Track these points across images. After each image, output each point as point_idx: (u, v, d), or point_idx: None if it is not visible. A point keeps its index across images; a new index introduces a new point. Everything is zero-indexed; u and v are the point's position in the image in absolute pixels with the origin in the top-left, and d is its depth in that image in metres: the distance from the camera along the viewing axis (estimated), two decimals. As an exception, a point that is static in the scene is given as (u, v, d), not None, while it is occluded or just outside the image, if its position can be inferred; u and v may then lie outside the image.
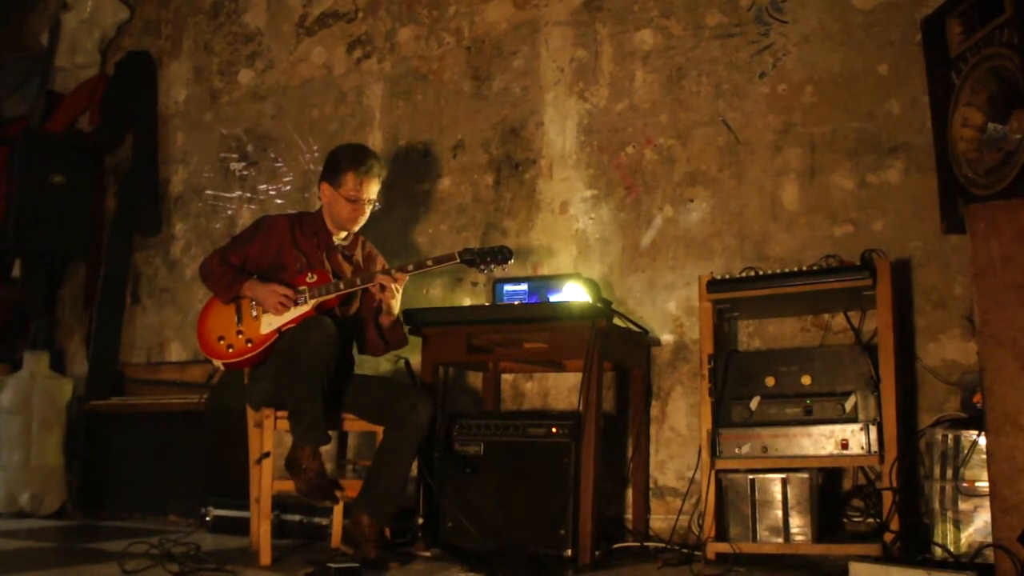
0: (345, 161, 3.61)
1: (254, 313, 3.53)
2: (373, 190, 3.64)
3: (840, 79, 3.84)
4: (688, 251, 4.08)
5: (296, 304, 3.50)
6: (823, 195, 3.82)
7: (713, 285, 3.50)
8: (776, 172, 3.93)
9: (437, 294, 4.61)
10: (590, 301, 3.63)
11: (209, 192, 5.56)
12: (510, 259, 3.55)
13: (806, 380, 3.30)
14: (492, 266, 3.53)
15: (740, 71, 4.06)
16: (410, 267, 3.54)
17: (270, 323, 3.51)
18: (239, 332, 3.53)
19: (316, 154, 5.13)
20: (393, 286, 3.50)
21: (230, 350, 3.51)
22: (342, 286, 3.54)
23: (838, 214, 3.78)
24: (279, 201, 5.25)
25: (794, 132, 3.91)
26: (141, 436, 4.88)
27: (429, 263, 3.54)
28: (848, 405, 3.22)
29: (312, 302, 3.53)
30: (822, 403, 3.26)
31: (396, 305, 3.59)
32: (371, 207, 3.67)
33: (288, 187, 5.25)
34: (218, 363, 3.54)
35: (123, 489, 4.91)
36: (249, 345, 3.50)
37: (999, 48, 2.75)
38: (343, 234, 3.73)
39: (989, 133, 2.78)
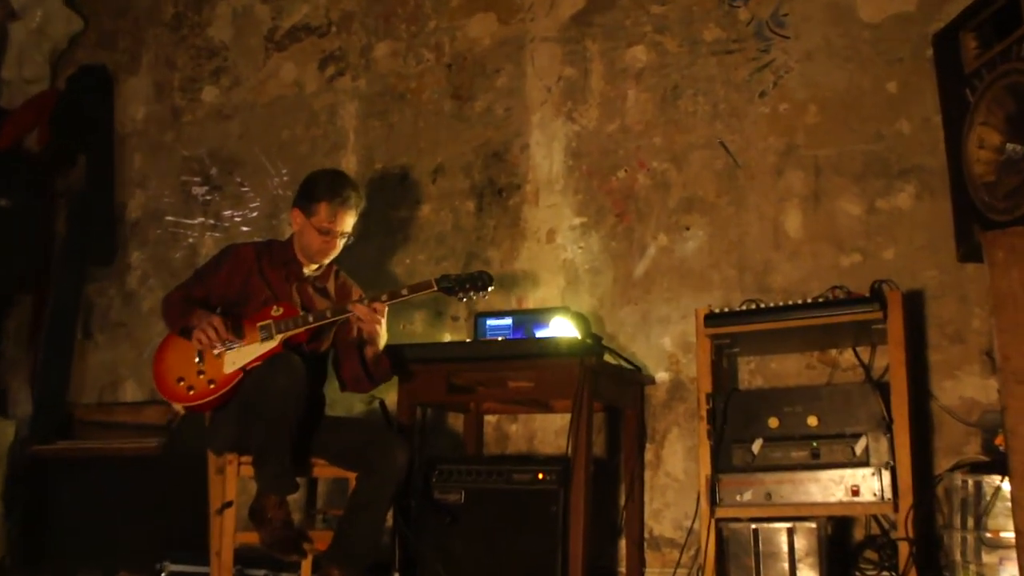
0: (321, 189, 3.61)
1: (217, 351, 3.50)
2: (348, 223, 3.64)
3: (846, 98, 3.86)
4: (684, 282, 4.08)
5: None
6: (829, 222, 3.83)
7: (711, 319, 3.50)
8: (778, 198, 3.95)
9: (416, 329, 4.60)
10: (579, 337, 3.62)
11: (169, 218, 5.51)
12: (490, 286, 3.55)
13: (813, 421, 3.29)
14: (472, 294, 3.53)
15: (739, 90, 4.08)
16: (384, 297, 3.53)
17: (234, 361, 3.48)
18: (200, 372, 3.49)
19: (285, 178, 5.14)
20: (375, 316, 3.50)
21: (191, 392, 3.47)
22: (311, 319, 3.52)
23: (845, 242, 3.79)
24: (245, 229, 5.23)
25: (797, 155, 3.93)
26: (90, 483, 4.79)
27: (404, 292, 3.54)
28: (859, 448, 3.21)
29: (279, 337, 3.50)
30: (830, 446, 3.25)
31: (382, 336, 3.58)
32: (344, 240, 3.68)
33: (255, 213, 5.24)
34: (177, 406, 3.50)
35: (69, 542, 4.79)
36: (212, 386, 3.46)
37: (1017, 64, 2.76)
38: (314, 266, 3.72)
39: (1007, 154, 2.78)
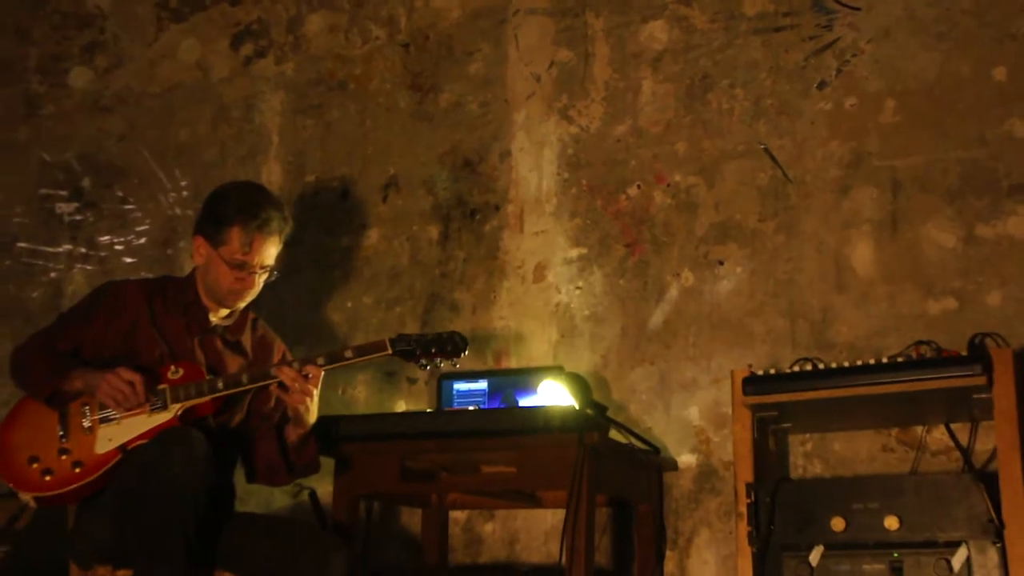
0: (232, 208, 3.61)
1: (87, 423, 3.44)
2: (269, 254, 3.64)
3: (937, 89, 3.88)
4: (716, 335, 4.08)
5: (149, 407, 3.44)
6: (911, 255, 3.83)
7: (753, 383, 3.48)
8: (842, 223, 3.95)
9: (358, 395, 4.60)
10: (576, 406, 3.61)
11: (22, 245, 5.50)
12: (463, 351, 3.56)
13: (892, 523, 3.24)
14: (438, 360, 3.55)
15: (791, 79, 4.10)
16: (321, 360, 3.51)
17: (110, 438, 3.41)
18: (63, 451, 3.42)
19: (185, 193, 5.14)
20: (305, 386, 3.48)
21: (48, 478, 3.39)
22: (220, 386, 3.48)
23: (934, 282, 3.79)
24: (129, 260, 5.20)
25: (868, 165, 3.93)
26: None
27: (348, 354, 3.53)
28: (956, 561, 3.15)
29: (175, 408, 3.46)
30: (917, 558, 3.19)
31: (311, 413, 3.58)
32: (265, 277, 3.67)
33: (143, 240, 5.22)
34: (27, 497, 3.41)
35: None
36: (77, 470, 3.39)
37: None
38: (224, 311, 3.71)
39: None
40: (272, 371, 3.50)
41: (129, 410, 3.41)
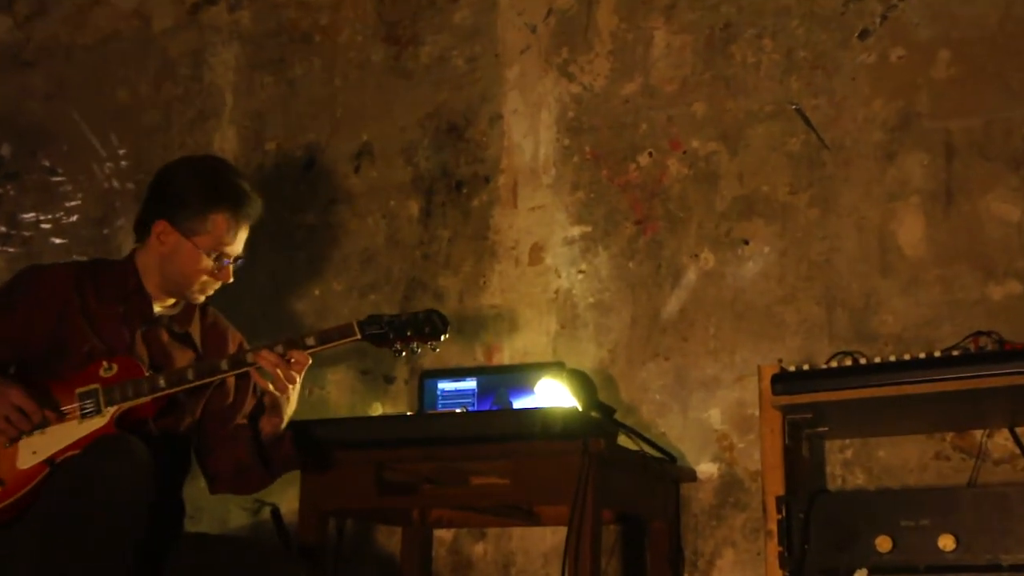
0: (213, 192, 3.63)
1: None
2: (243, 241, 3.69)
3: (999, 37, 3.88)
4: (741, 325, 4.10)
5: (80, 411, 3.41)
6: (968, 232, 3.83)
7: (784, 381, 3.45)
8: (888, 195, 3.96)
9: (328, 396, 4.61)
10: (579, 408, 3.62)
11: None
12: (444, 333, 3.53)
13: (947, 542, 3.19)
14: (414, 344, 3.52)
15: (827, 27, 4.10)
16: (279, 347, 3.49)
17: (35, 451, 3.38)
18: None
19: (123, 163, 5.15)
20: (289, 372, 3.48)
21: None
22: (162, 383, 3.46)
23: (995, 263, 3.79)
24: (58, 241, 5.22)
25: (918, 128, 3.93)
26: None
27: (310, 341, 3.51)
28: None
29: (110, 411, 3.42)
30: None
31: (291, 403, 3.62)
32: (234, 267, 3.72)
33: (74, 216, 5.24)
34: None
35: None
36: None
37: None
38: (170, 300, 3.71)
39: None
40: (249, 357, 3.50)
41: (6, 438, 3.38)
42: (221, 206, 3.59)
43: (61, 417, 3.40)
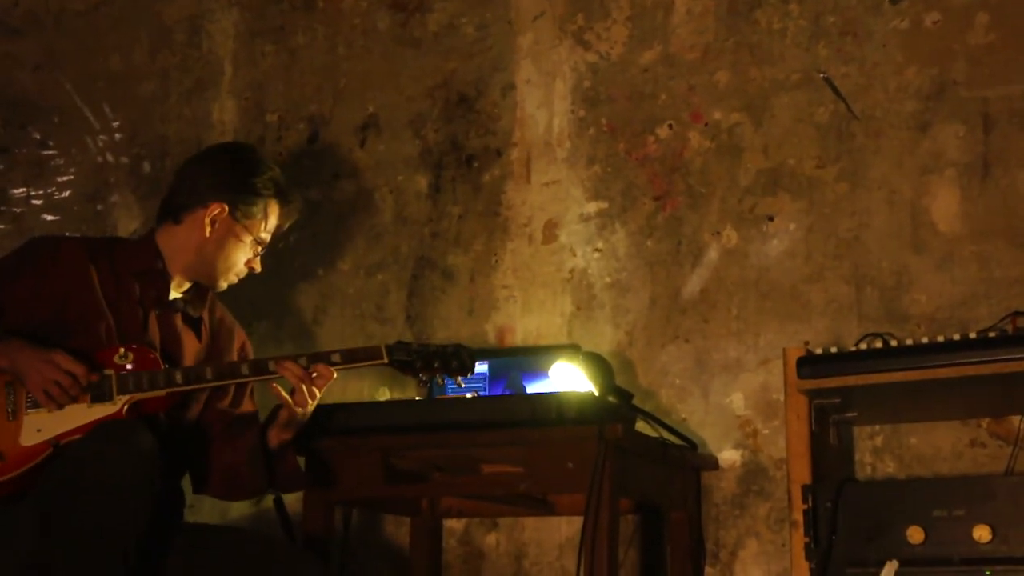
0: (267, 179, 3.74)
1: (10, 407, 3.43)
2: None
3: None
4: (765, 306, 4.10)
5: (90, 395, 3.43)
6: (1006, 206, 3.83)
7: (810, 364, 3.43)
8: (921, 168, 3.94)
9: (334, 380, 4.49)
10: (595, 393, 3.63)
11: None
12: (471, 370, 3.60)
13: (982, 534, 3.18)
14: (438, 376, 3.69)
15: None
16: (303, 360, 3.54)
17: (39, 428, 3.40)
18: None
19: (118, 136, 5.16)
20: (311, 388, 3.52)
21: None
22: (179, 379, 3.50)
23: None
24: (50, 217, 5.24)
25: (953, 97, 3.91)
26: None
27: (336, 358, 3.56)
28: None
29: (121, 400, 3.45)
30: (1013, 575, 3.14)
31: (303, 419, 3.63)
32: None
33: (66, 192, 5.26)
34: None
35: None
36: None
37: None
38: (187, 284, 3.75)
39: None
40: (271, 366, 3.53)
41: (60, 404, 3.40)
42: (278, 196, 3.73)
43: (75, 399, 3.42)
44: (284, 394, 3.53)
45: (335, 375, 3.56)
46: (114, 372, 3.47)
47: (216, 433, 3.68)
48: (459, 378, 3.61)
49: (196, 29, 5.08)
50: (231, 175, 3.71)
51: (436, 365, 3.55)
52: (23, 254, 3.67)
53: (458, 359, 3.56)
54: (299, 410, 3.55)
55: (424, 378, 3.66)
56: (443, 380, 3.69)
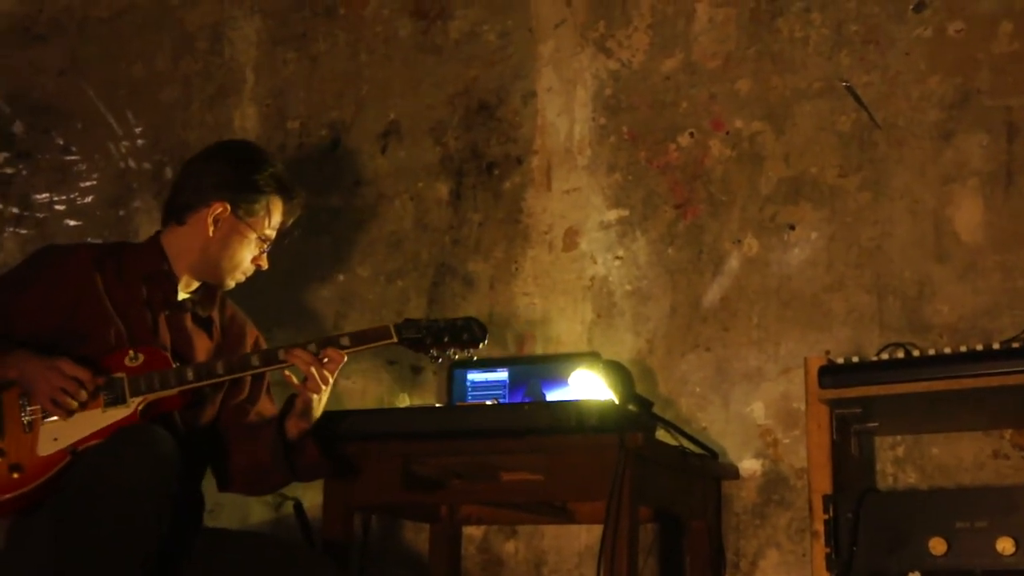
0: (269, 176, 3.72)
1: (26, 419, 3.41)
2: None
3: None
4: (786, 314, 4.10)
5: (104, 400, 3.43)
6: None
7: (832, 374, 3.44)
8: (944, 177, 3.94)
9: (353, 387, 4.61)
10: (615, 401, 3.61)
11: None
12: (482, 341, 3.59)
13: (1006, 546, 3.17)
14: (451, 351, 3.59)
15: (879, 0, 4.08)
16: (312, 346, 3.53)
17: (55, 437, 3.39)
18: None
19: (140, 141, 5.14)
20: (323, 373, 3.51)
21: None
22: (191, 376, 3.49)
23: None
24: (73, 223, 5.22)
25: (977, 106, 3.91)
26: None
27: (345, 341, 3.55)
28: None
29: (135, 402, 3.44)
30: None
31: (321, 405, 3.62)
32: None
33: (89, 198, 5.24)
34: None
35: None
36: (16, 476, 3.35)
37: None
38: (195, 284, 3.74)
39: None
40: (281, 354, 3.53)
41: (66, 412, 3.39)
42: (280, 193, 3.70)
43: (84, 404, 3.39)
44: (296, 381, 3.54)
45: (346, 358, 3.55)
46: (126, 375, 3.46)
47: (235, 430, 3.68)
48: (469, 351, 3.60)
49: (218, 36, 5.08)
50: (232, 173, 3.70)
51: (446, 340, 3.56)
52: (31, 265, 3.67)
53: (469, 331, 3.57)
54: (313, 396, 3.54)
55: (436, 354, 3.60)
56: (455, 355, 3.63)
